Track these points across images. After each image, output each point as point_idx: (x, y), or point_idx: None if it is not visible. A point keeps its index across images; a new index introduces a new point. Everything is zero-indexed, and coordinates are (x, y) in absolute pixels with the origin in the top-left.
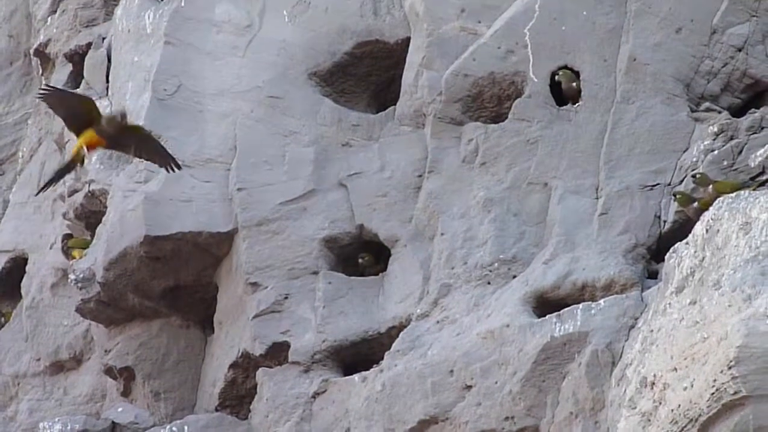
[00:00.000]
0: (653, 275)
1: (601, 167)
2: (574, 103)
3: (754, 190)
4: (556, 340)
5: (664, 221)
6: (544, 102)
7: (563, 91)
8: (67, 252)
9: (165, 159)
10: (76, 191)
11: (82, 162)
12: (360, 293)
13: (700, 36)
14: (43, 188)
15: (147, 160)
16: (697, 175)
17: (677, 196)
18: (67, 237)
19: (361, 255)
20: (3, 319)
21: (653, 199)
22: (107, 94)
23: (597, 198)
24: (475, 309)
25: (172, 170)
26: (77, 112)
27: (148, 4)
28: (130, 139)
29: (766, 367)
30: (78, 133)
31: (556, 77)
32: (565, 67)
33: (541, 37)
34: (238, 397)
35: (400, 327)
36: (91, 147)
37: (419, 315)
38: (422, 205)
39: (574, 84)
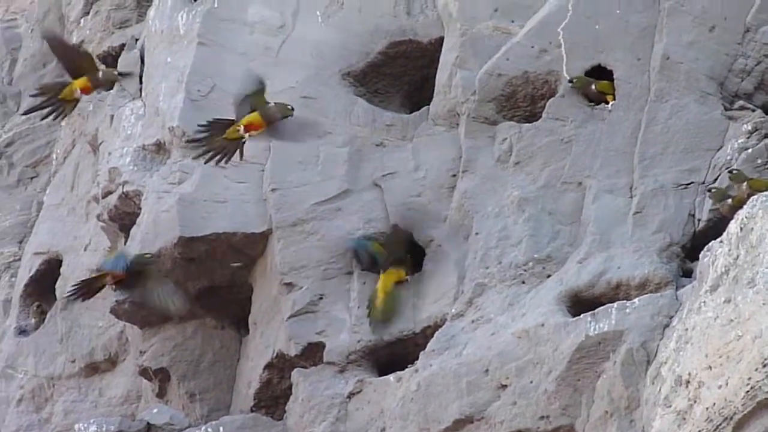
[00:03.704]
0: (688, 274)
1: (635, 166)
2: (599, 104)
3: None
4: (590, 339)
5: (699, 220)
6: (578, 101)
7: (589, 97)
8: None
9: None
10: (110, 193)
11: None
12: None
13: (734, 34)
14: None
15: None
16: (734, 171)
17: (712, 191)
18: None
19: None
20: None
21: (687, 197)
22: (140, 96)
23: (631, 197)
24: (510, 308)
25: None
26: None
27: (181, 5)
28: None
29: None
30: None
31: (570, 85)
32: (595, 72)
33: (574, 36)
34: (273, 398)
35: (435, 327)
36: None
37: (454, 315)
38: (456, 205)
39: (593, 86)
